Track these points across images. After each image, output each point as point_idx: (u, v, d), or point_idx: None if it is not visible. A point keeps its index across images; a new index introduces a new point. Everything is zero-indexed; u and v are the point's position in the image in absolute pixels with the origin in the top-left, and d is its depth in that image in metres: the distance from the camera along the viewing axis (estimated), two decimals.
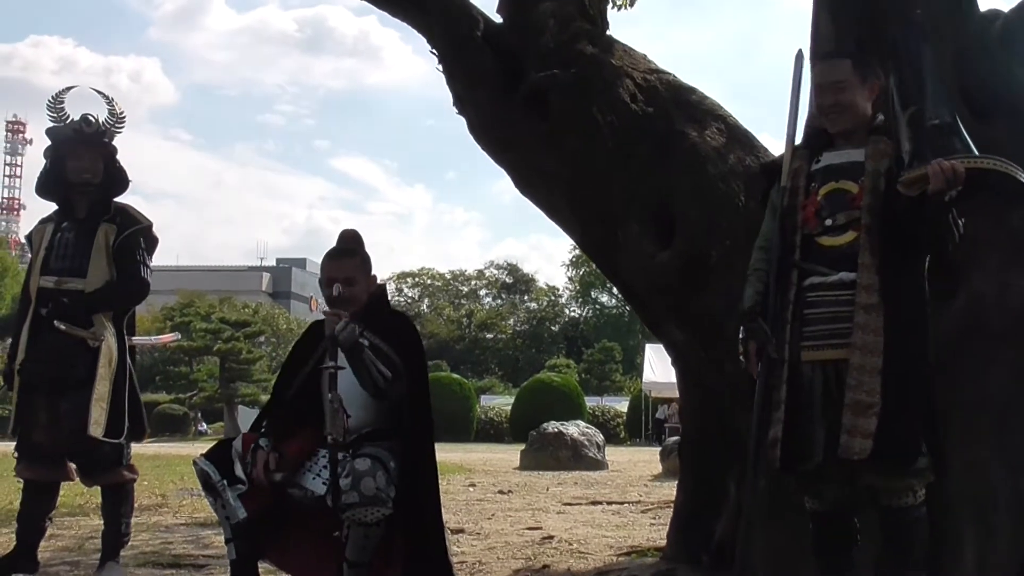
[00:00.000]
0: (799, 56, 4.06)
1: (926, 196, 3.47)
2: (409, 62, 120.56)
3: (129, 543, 5.67)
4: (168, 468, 14.86)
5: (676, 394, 6.48)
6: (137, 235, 5.51)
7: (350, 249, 4.65)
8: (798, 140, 4.01)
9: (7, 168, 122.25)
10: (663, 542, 6.10)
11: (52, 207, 5.61)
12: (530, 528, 8.08)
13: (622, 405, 44.83)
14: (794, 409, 3.66)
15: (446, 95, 6.09)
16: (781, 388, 3.70)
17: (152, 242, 5.61)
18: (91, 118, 5.48)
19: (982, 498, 4.39)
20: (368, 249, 4.70)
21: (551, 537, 7.42)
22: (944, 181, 3.39)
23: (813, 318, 3.69)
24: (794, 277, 3.75)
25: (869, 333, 3.57)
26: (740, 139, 5.54)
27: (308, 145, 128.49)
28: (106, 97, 5.62)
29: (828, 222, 3.73)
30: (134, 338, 5.68)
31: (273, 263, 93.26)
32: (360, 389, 4.34)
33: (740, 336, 3.86)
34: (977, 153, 3.55)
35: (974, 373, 4.58)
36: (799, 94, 3.98)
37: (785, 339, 3.71)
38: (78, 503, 9.15)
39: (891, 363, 3.55)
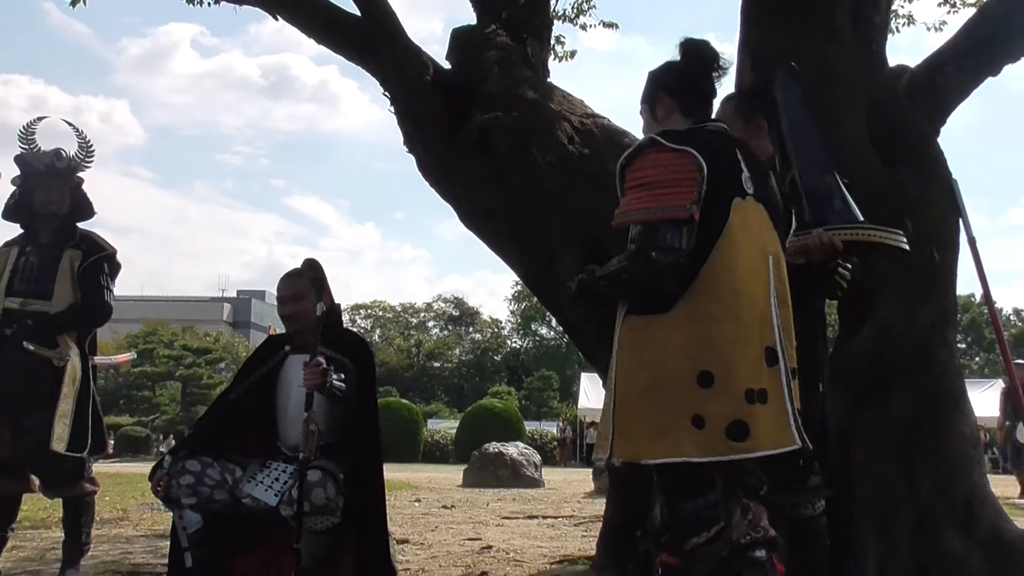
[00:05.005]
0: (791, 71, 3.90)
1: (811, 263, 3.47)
2: (365, 109, 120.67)
3: (89, 553, 5.57)
4: (130, 485, 14.57)
5: None
6: (101, 261, 5.44)
7: (298, 271, 4.74)
8: None
9: None
10: (593, 552, 6.09)
11: (14, 229, 5.50)
12: (470, 539, 8.03)
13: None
14: None
15: (396, 140, 6.12)
16: None
17: (115, 268, 5.54)
18: (63, 153, 5.41)
19: (885, 511, 4.46)
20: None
21: (490, 547, 7.38)
22: (824, 255, 3.41)
23: None
24: None
25: None
26: None
27: (264, 184, 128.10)
28: (76, 129, 5.54)
29: None
30: (95, 358, 5.60)
31: (234, 295, 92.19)
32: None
33: None
34: (860, 217, 3.50)
35: (880, 398, 4.65)
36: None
37: None
38: (40, 516, 8.93)
39: None
